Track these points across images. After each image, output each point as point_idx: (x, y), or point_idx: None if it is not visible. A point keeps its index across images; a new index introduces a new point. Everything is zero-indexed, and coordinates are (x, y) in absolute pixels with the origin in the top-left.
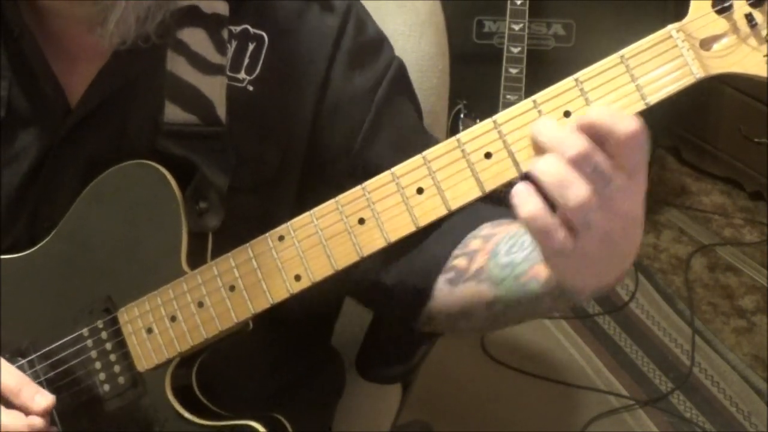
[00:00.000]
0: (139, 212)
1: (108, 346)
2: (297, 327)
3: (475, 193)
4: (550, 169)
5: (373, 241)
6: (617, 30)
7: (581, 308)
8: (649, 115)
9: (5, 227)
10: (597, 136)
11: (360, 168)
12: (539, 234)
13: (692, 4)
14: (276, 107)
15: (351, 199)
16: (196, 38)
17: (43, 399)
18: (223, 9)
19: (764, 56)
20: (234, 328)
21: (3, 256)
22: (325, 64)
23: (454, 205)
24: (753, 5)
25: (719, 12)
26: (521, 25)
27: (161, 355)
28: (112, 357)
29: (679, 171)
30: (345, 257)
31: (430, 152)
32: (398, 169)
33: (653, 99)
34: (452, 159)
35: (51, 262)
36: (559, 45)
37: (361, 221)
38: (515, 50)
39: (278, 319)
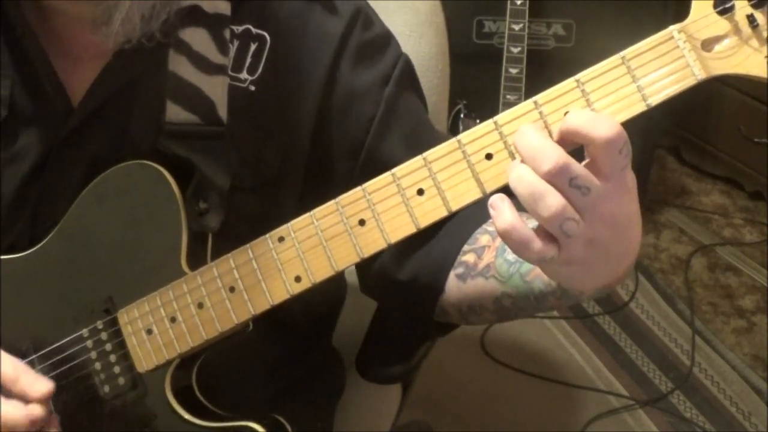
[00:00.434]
0: (140, 213)
1: (108, 346)
2: (297, 327)
3: (476, 195)
4: (522, 181)
5: (373, 242)
6: (617, 30)
7: (581, 308)
8: (649, 115)
9: (6, 227)
10: (577, 141)
11: (370, 164)
12: (515, 246)
13: (694, 5)
14: (278, 107)
15: (351, 200)
16: (198, 38)
17: (42, 385)
18: (225, 9)
19: (765, 57)
20: (234, 329)
21: (3, 257)
22: (329, 63)
23: (455, 206)
24: (755, 6)
25: (721, 13)
26: (521, 25)
27: (161, 356)
28: (112, 358)
29: (679, 171)
30: (345, 258)
31: (430, 153)
32: (399, 170)
33: (654, 100)
34: (453, 160)
35: (51, 262)
36: (559, 45)
37: (362, 222)
38: (515, 50)
39: (278, 320)
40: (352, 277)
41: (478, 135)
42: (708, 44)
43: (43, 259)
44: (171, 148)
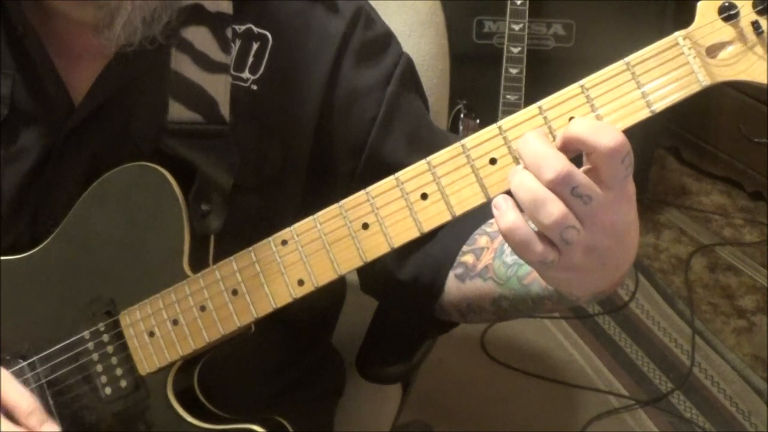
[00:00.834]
0: (142, 215)
1: (109, 349)
2: (298, 328)
3: (480, 199)
4: (524, 187)
5: (376, 247)
6: (617, 30)
7: (581, 308)
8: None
9: (6, 225)
10: (580, 149)
11: (373, 163)
12: (517, 246)
13: (698, 11)
14: (280, 107)
15: (355, 204)
16: (200, 37)
17: (50, 428)
18: (227, 8)
19: None
20: (236, 332)
21: (4, 257)
22: (331, 63)
23: (459, 210)
24: (760, 13)
25: (726, 19)
26: (521, 25)
27: (163, 359)
28: (114, 360)
29: (679, 171)
30: (348, 262)
31: (434, 157)
32: (403, 174)
33: (659, 106)
34: (457, 165)
35: (52, 263)
36: (559, 45)
37: (365, 226)
38: (515, 50)
39: (279, 321)
40: (352, 277)
41: (482, 140)
42: (713, 51)
43: (45, 260)
44: (173, 147)
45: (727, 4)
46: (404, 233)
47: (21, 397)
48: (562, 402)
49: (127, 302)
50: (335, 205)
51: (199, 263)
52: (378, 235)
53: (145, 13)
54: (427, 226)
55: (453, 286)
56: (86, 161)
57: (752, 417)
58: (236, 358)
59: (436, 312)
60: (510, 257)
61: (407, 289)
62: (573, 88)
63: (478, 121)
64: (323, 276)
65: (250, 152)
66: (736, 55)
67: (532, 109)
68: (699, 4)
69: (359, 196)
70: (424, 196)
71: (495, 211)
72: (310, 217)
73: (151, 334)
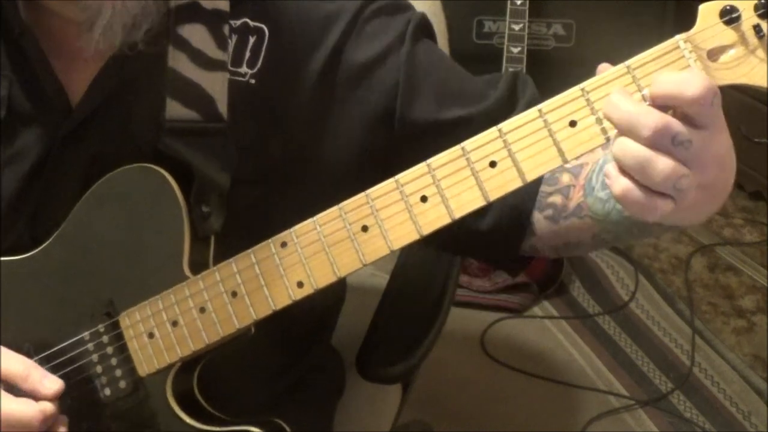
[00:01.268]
0: (142, 216)
1: (109, 350)
2: (297, 328)
3: (480, 203)
4: (626, 153)
5: (376, 249)
6: (617, 30)
7: (581, 308)
8: None
9: (6, 226)
10: (668, 104)
11: (407, 130)
12: (634, 208)
13: (700, 15)
14: (279, 98)
15: (354, 206)
16: (197, 34)
17: (53, 382)
18: (224, 5)
19: None
20: (236, 334)
21: (4, 258)
22: (332, 45)
23: (458, 213)
24: (761, 16)
25: (727, 23)
26: (521, 25)
27: (162, 360)
28: (113, 361)
29: None
30: (348, 265)
31: (434, 160)
32: (403, 176)
33: None
34: (457, 167)
35: (52, 265)
36: (559, 45)
37: (365, 229)
38: (515, 50)
39: (279, 321)
40: (351, 278)
41: (483, 142)
42: (714, 54)
43: (45, 261)
44: (171, 146)
45: (728, 7)
46: (404, 236)
47: (14, 363)
48: (562, 402)
49: (126, 304)
50: (335, 207)
51: (199, 265)
52: (377, 237)
53: (126, 19)
54: (427, 229)
55: (545, 227)
56: (85, 162)
57: (752, 417)
58: (235, 360)
59: (523, 252)
60: (602, 192)
61: (489, 238)
62: (573, 92)
63: None
64: (323, 278)
65: (250, 146)
66: (738, 59)
67: (532, 112)
68: (700, 7)
69: (359, 198)
70: (423, 199)
71: (607, 180)
72: (310, 219)
73: (151, 335)
